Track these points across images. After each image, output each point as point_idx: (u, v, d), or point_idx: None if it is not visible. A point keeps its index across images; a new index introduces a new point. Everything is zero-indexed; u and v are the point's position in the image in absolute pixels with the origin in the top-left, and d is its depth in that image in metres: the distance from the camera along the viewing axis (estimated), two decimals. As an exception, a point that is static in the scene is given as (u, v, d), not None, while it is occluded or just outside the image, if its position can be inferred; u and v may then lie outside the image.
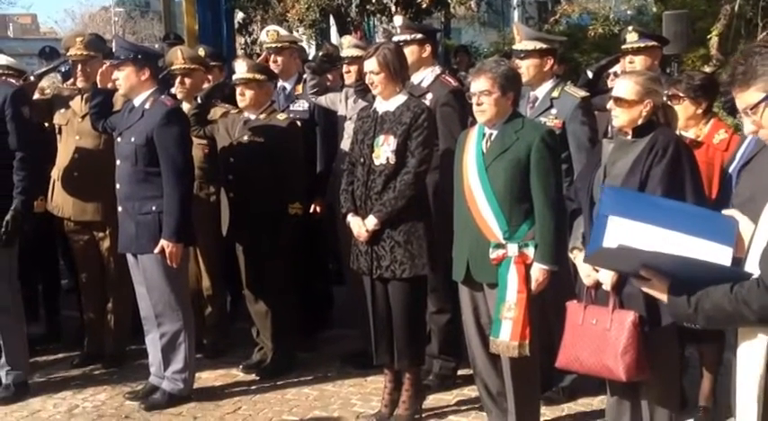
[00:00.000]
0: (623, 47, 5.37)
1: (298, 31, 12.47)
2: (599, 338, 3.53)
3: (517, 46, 4.80)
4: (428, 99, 4.82)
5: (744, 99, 2.31)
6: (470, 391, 4.80)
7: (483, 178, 3.98)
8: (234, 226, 5.25)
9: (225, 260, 5.61)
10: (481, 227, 3.98)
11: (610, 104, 3.74)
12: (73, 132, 5.43)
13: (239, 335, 5.70)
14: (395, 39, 5.01)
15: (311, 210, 5.52)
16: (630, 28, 5.52)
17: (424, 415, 4.62)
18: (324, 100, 5.57)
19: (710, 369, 4.41)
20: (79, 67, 5.47)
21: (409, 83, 4.71)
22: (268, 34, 5.99)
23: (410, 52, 4.85)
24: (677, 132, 3.91)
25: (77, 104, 5.46)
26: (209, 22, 11.18)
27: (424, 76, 5.03)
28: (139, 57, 4.80)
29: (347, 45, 5.75)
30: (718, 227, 2.38)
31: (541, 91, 4.74)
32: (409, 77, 4.71)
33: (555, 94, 4.69)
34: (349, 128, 5.12)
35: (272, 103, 5.50)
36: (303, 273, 5.62)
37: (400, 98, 4.41)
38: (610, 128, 4.52)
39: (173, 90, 5.52)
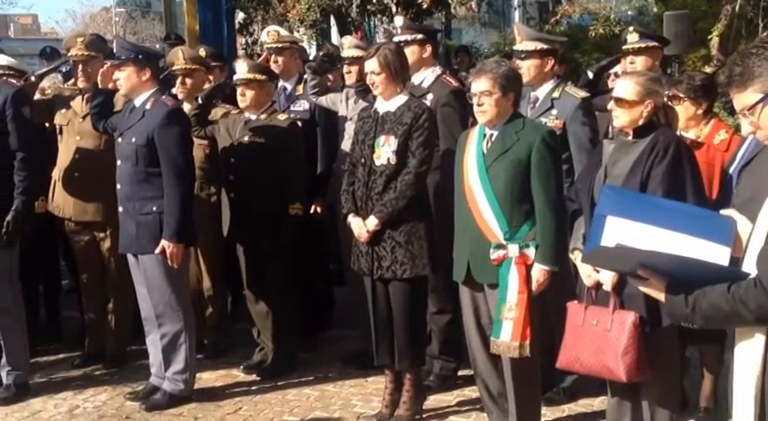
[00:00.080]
0: (624, 47, 5.37)
1: (298, 31, 12.47)
2: (599, 339, 3.53)
3: (518, 46, 4.80)
4: (429, 99, 4.82)
5: (741, 100, 2.31)
6: (471, 392, 4.80)
7: (484, 179, 3.98)
8: (235, 226, 5.25)
9: (226, 260, 5.61)
10: (482, 227, 3.98)
11: (610, 105, 3.74)
12: (74, 133, 5.43)
13: (240, 335, 5.71)
14: (395, 39, 5.01)
15: (312, 211, 5.52)
16: (631, 28, 5.52)
17: (424, 415, 4.62)
18: (324, 100, 5.57)
19: (711, 369, 4.41)
20: (80, 67, 5.47)
21: (410, 83, 4.71)
22: (269, 35, 5.99)
23: (411, 53, 4.85)
24: (678, 133, 3.91)
25: (78, 105, 5.47)
26: (209, 22, 11.17)
27: (425, 77, 5.03)
28: (140, 57, 4.80)
29: (348, 45, 5.76)
30: (715, 226, 2.38)
31: (542, 91, 4.74)
32: (410, 78, 4.70)
33: (556, 94, 4.69)
34: (350, 128, 5.12)
35: (273, 103, 5.50)
36: (304, 274, 5.62)
37: (401, 98, 4.41)
38: (610, 128, 4.52)
39: (173, 90, 5.53)
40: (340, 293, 6.09)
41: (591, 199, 3.66)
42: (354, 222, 4.44)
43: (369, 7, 12.60)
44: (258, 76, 5.22)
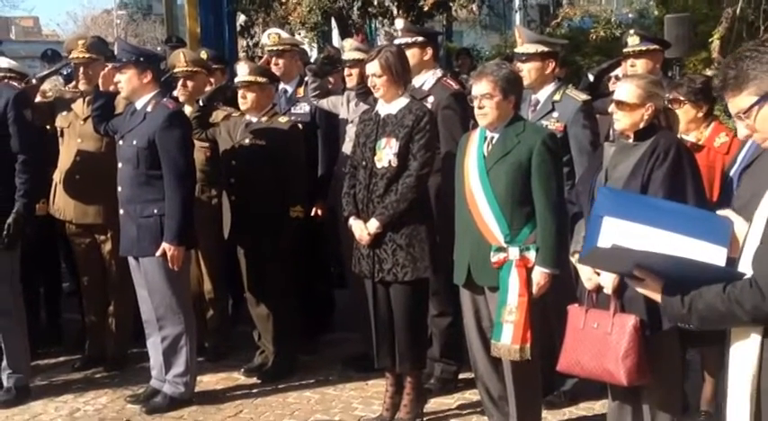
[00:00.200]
0: (625, 50, 5.37)
1: (299, 33, 12.50)
2: (600, 342, 3.53)
3: (519, 49, 4.80)
4: (429, 102, 4.82)
5: (736, 103, 2.31)
6: (472, 395, 4.80)
7: (484, 181, 3.98)
8: (235, 229, 5.25)
9: (226, 263, 5.61)
10: (482, 230, 3.98)
11: (611, 108, 3.74)
12: (75, 135, 5.43)
13: (241, 338, 5.71)
14: (396, 42, 5.01)
15: (313, 214, 5.52)
16: (632, 31, 5.53)
17: (425, 418, 4.62)
18: (325, 103, 5.57)
19: (712, 373, 4.40)
20: (81, 69, 5.48)
21: (411, 86, 4.71)
22: (269, 37, 6.00)
23: (411, 55, 4.85)
24: (678, 136, 3.90)
25: (79, 107, 5.47)
26: (211, 24, 11.17)
27: (426, 79, 5.03)
28: (141, 59, 4.80)
29: (349, 48, 5.75)
30: (712, 227, 2.38)
31: (543, 94, 4.74)
32: (411, 80, 4.71)
33: (556, 97, 4.69)
34: (351, 131, 5.13)
35: (274, 105, 5.50)
36: (305, 276, 5.61)
37: (402, 101, 4.41)
38: (611, 131, 4.52)
39: (175, 93, 5.53)
40: (341, 296, 6.09)
41: (591, 202, 3.65)
42: (355, 225, 4.44)
43: (370, 10, 12.63)
44: (259, 79, 5.22)
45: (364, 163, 4.44)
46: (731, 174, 3.85)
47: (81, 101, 5.47)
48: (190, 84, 5.56)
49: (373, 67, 4.36)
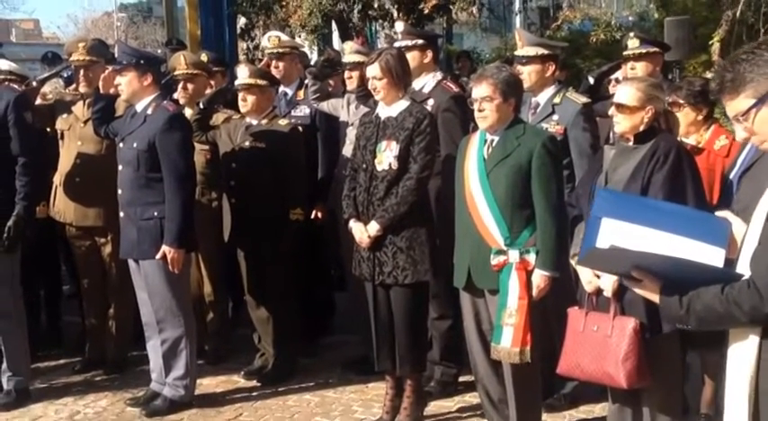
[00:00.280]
0: (625, 53, 5.37)
1: (300, 36, 12.50)
2: (600, 345, 3.53)
3: (519, 52, 4.80)
4: (429, 105, 4.82)
5: (734, 106, 2.31)
6: (472, 398, 4.80)
7: (484, 184, 3.98)
8: (235, 231, 5.25)
9: (226, 266, 5.61)
10: (482, 233, 3.98)
11: (611, 111, 3.74)
12: (75, 138, 5.44)
13: (241, 341, 5.71)
14: (396, 44, 5.02)
15: (313, 216, 5.52)
16: (632, 34, 5.52)
17: (425, 421, 4.62)
18: (325, 105, 5.57)
19: (712, 376, 4.39)
20: (81, 72, 5.49)
21: (411, 88, 4.71)
22: (270, 40, 6.00)
23: (412, 58, 4.85)
24: (678, 139, 3.91)
25: (80, 110, 5.47)
26: (211, 27, 11.18)
27: (426, 82, 5.03)
28: (142, 62, 4.81)
29: (349, 51, 5.76)
30: (710, 228, 2.39)
31: (543, 97, 4.74)
32: (411, 83, 4.71)
33: (556, 100, 4.69)
34: (351, 133, 5.13)
35: (274, 108, 5.50)
36: (305, 279, 5.61)
37: (403, 104, 4.42)
38: (611, 134, 4.52)
39: (175, 95, 5.53)
40: (341, 299, 6.09)
41: (591, 205, 3.66)
42: (356, 227, 4.44)
43: (370, 12, 12.63)
44: (259, 81, 5.23)
45: (364, 165, 4.44)
46: (731, 176, 3.85)
47: (81, 103, 5.48)
48: (190, 86, 5.56)
49: (373, 70, 4.36)
